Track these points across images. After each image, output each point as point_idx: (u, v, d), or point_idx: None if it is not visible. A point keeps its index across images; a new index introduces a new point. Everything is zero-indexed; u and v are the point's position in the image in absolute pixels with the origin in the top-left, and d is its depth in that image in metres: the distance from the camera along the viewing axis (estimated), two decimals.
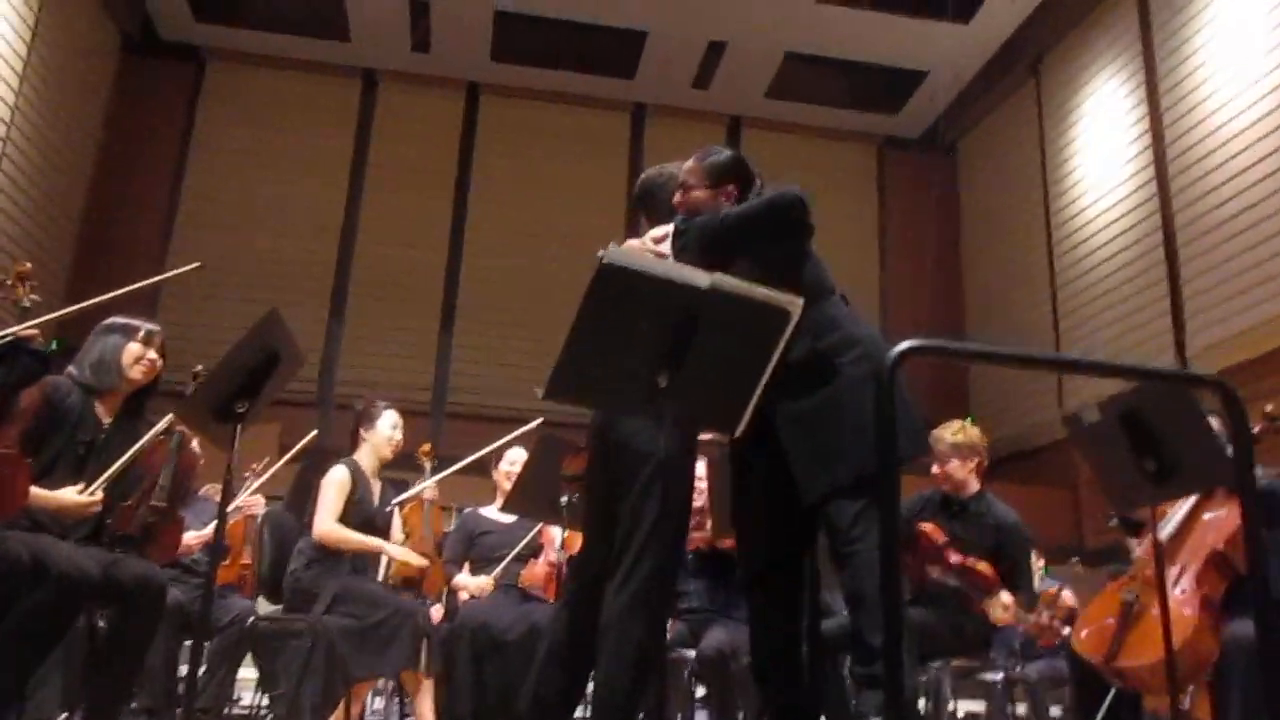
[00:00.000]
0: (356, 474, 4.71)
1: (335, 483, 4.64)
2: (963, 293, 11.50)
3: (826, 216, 11.60)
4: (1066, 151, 10.44)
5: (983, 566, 4.18)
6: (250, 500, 5.12)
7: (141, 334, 3.72)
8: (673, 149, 11.12)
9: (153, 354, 3.71)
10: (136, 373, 3.68)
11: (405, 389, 10.41)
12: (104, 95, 10.22)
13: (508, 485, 5.10)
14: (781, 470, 2.83)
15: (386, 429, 4.79)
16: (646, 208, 3.32)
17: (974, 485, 4.44)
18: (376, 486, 4.81)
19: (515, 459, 5.32)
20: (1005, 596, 4.17)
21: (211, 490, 5.51)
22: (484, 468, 5.55)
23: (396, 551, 4.78)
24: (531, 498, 4.41)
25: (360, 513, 4.67)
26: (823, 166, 11.37)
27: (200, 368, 3.47)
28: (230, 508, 5.19)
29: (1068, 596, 5.09)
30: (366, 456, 4.75)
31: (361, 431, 4.79)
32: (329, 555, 4.59)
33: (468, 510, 5.51)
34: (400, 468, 5.45)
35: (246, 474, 5.22)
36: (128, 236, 10.08)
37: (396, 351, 10.37)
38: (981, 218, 11.35)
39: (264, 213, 10.38)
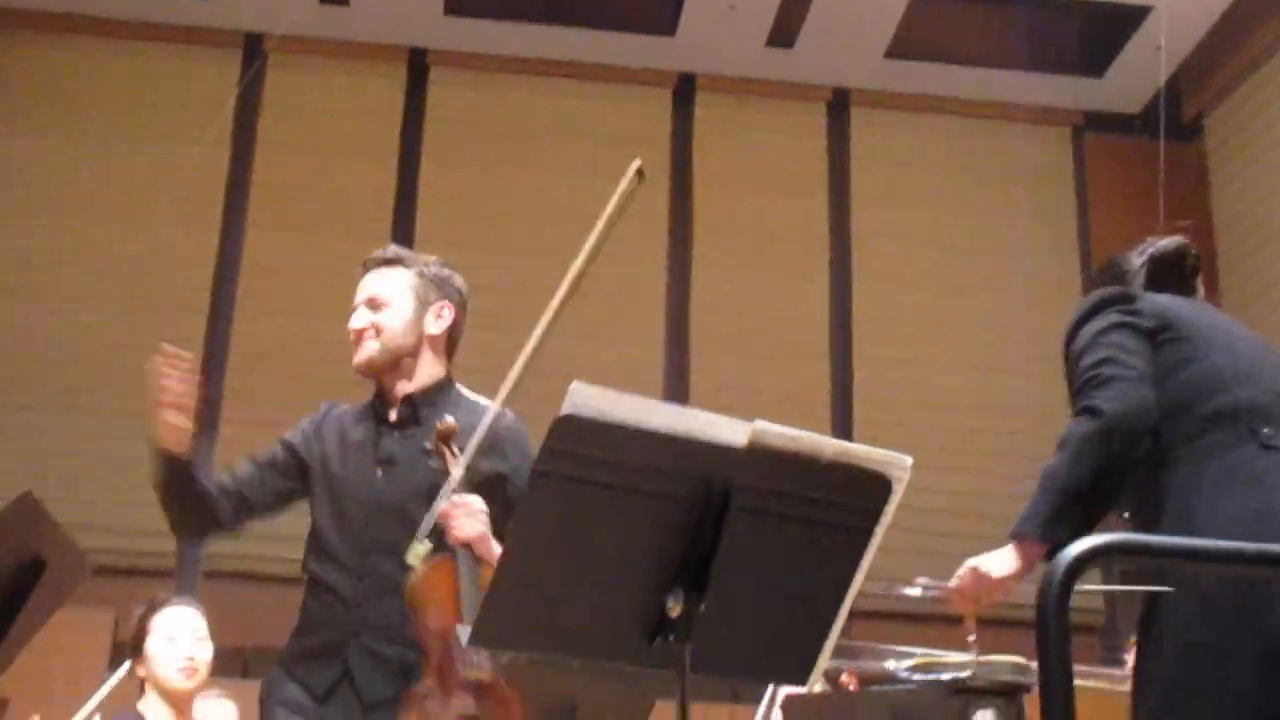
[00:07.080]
0: None
1: None
2: None
3: (994, 238, 7.02)
4: None
5: None
6: None
7: None
8: (738, 144, 7.02)
9: None
10: None
11: None
12: None
13: None
14: None
15: (159, 649, 3.45)
16: None
17: None
18: None
19: None
20: None
21: None
22: None
23: None
24: None
25: None
26: (980, 161, 7.63)
27: None
28: None
29: None
30: (154, 706, 3.47)
31: (136, 670, 3.54)
32: None
33: None
34: None
35: None
36: None
37: None
38: (1248, 229, 7.63)
39: None
